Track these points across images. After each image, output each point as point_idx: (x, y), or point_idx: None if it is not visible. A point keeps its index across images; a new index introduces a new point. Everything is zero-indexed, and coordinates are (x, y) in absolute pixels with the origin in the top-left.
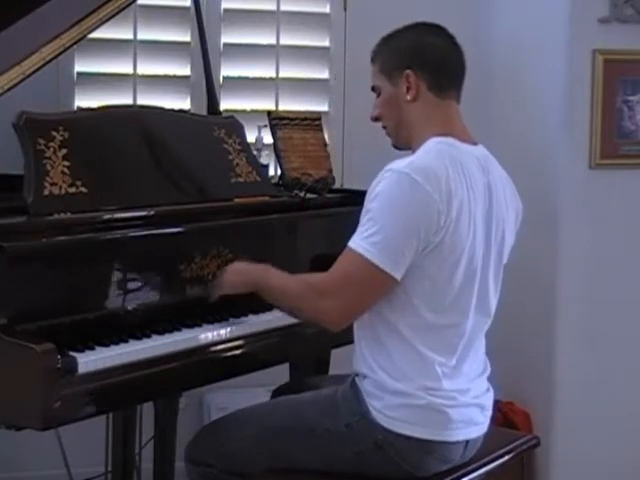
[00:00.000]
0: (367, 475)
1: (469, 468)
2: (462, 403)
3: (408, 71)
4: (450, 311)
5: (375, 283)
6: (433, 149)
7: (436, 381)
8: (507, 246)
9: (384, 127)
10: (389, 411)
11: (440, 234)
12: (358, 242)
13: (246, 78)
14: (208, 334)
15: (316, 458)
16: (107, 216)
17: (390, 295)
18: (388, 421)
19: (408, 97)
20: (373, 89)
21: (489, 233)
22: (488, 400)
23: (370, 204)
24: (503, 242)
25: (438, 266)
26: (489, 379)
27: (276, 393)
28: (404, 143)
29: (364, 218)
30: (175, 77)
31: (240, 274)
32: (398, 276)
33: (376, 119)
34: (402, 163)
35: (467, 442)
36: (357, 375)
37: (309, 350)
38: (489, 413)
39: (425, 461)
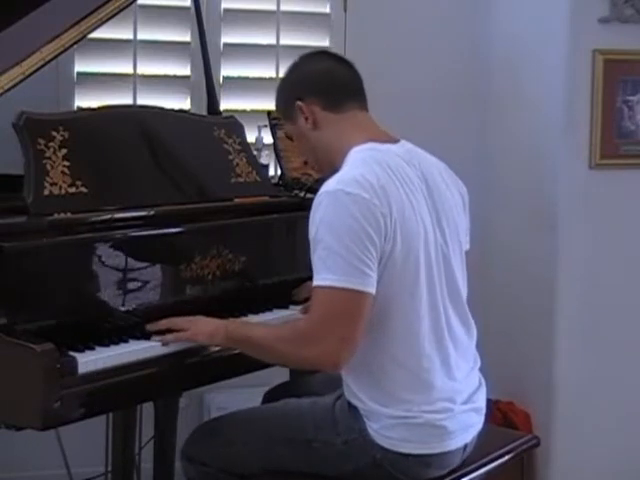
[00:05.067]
0: None
1: (469, 468)
2: (457, 411)
3: (298, 102)
4: (427, 314)
5: (354, 306)
6: (356, 159)
7: (429, 393)
8: (462, 231)
9: (312, 167)
10: (387, 431)
11: (390, 240)
12: (320, 276)
13: (246, 78)
14: None
15: (312, 468)
16: (107, 216)
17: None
18: (386, 441)
19: (309, 126)
20: (288, 137)
21: (440, 224)
22: (481, 398)
23: (315, 235)
24: (457, 228)
25: (399, 275)
26: (484, 374)
27: (269, 395)
28: (330, 169)
29: (315, 252)
30: (175, 77)
31: (211, 330)
32: (371, 290)
33: (306, 162)
34: (332, 182)
35: (465, 445)
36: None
37: None
38: (484, 411)
39: (425, 472)
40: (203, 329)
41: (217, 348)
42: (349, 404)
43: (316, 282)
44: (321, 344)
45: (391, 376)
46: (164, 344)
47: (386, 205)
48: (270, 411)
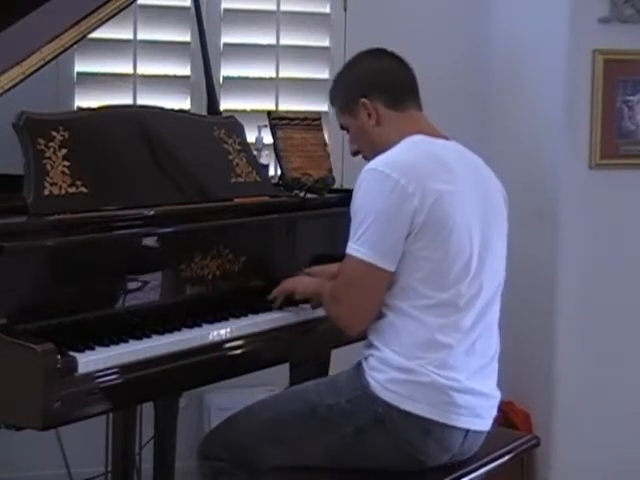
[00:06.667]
0: (368, 460)
1: (469, 468)
2: (468, 389)
3: (363, 99)
4: (455, 287)
5: (372, 280)
6: (402, 145)
7: (446, 358)
8: (505, 228)
9: (364, 157)
10: (392, 385)
11: (420, 216)
12: (350, 245)
13: (246, 78)
14: (208, 334)
15: (317, 441)
16: (107, 216)
17: (390, 283)
18: (389, 395)
19: (372, 122)
20: (342, 127)
21: (486, 213)
22: (495, 398)
23: (353, 206)
24: (503, 221)
25: (427, 247)
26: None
27: None
28: None
29: (352, 221)
30: (175, 77)
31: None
32: (392, 268)
33: (356, 153)
34: (373, 161)
35: (467, 432)
36: (365, 358)
37: (309, 350)
38: (494, 412)
39: (424, 442)
40: (306, 288)
41: (217, 347)
42: (356, 366)
43: (347, 250)
44: (339, 305)
45: (414, 337)
46: (274, 298)
47: (415, 185)
48: (276, 396)
